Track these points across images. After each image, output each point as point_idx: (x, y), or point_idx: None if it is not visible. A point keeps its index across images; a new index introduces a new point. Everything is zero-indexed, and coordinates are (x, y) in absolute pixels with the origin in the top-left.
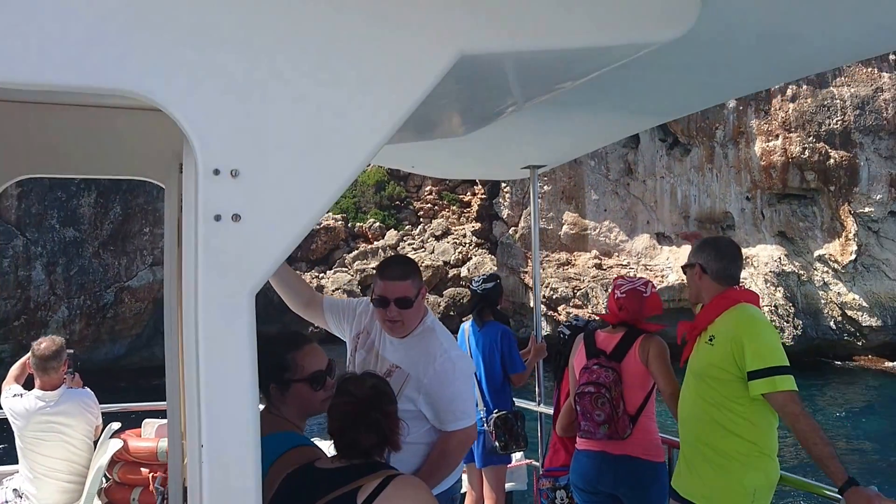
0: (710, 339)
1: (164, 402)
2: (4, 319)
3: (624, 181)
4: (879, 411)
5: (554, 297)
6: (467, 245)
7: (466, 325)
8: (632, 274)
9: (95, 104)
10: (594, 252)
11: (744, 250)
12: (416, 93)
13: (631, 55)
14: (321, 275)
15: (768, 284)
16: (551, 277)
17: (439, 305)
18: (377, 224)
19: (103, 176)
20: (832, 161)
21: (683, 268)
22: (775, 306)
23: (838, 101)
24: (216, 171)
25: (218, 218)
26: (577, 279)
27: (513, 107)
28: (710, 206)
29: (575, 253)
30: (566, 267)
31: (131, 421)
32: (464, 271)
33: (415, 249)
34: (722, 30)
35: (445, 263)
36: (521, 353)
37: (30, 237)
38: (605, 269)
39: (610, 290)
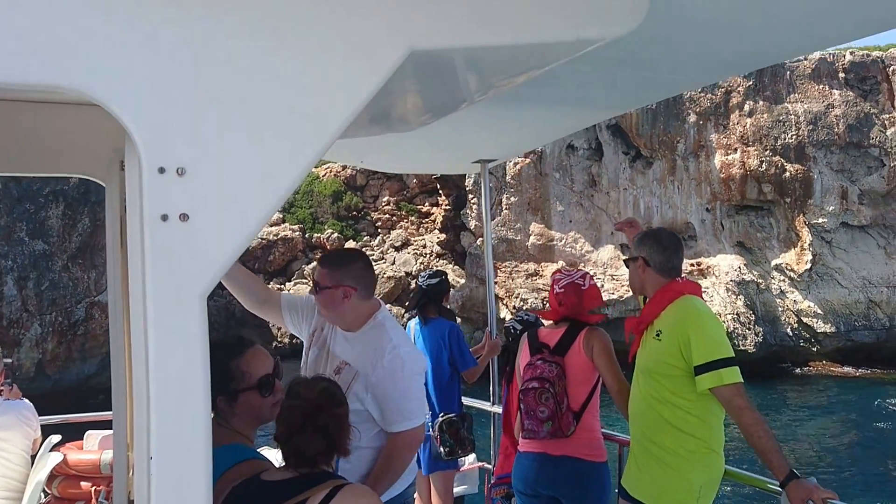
0: (658, 335)
1: (108, 413)
2: None
3: (588, 193)
4: (832, 414)
5: (524, 307)
6: (428, 256)
7: (412, 323)
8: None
9: (27, 99)
10: (561, 262)
11: (705, 260)
12: (367, 88)
13: (581, 50)
14: (281, 287)
15: (729, 293)
16: (521, 288)
17: (402, 316)
18: (335, 235)
19: (38, 174)
20: (788, 174)
21: (626, 261)
22: (737, 314)
23: (793, 116)
24: (161, 170)
25: (165, 218)
26: (545, 290)
27: (465, 102)
28: (672, 216)
29: (542, 263)
30: (534, 277)
31: (73, 433)
32: None
33: (375, 261)
34: (670, 25)
35: (407, 274)
36: (474, 350)
37: None
38: None
39: (549, 286)
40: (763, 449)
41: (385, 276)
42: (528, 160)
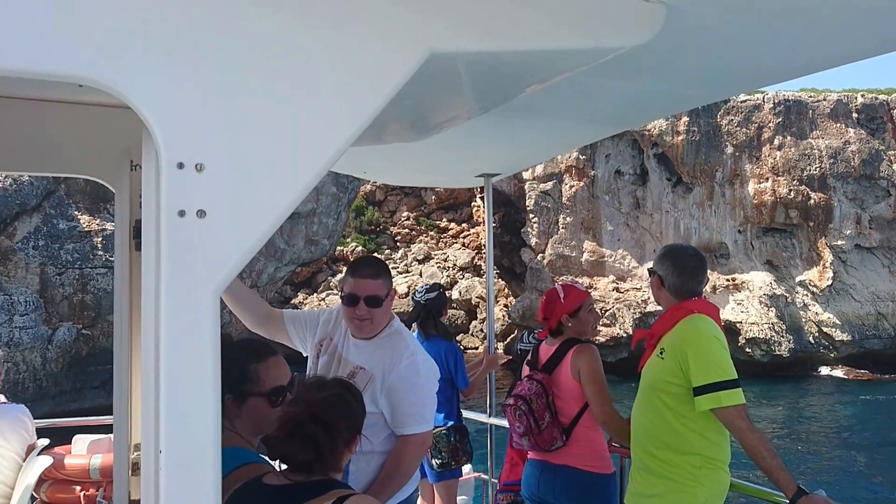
0: (661, 353)
1: (97, 418)
2: None
3: (634, 214)
4: (850, 411)
5: None
6: (451, 269)
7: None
8: (642, 298)
9: (37, 98)
10: (611, 277)
11: (739, 276)
12: (386, 91)
13: (599, 59)
14: (322, 302)
15: (762, 305)
16: None
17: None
18: (359, 248)
19: (45, 173)
20: (812, 201)
21: (650, 271)
22: (772, 324)
23: (816, 150)
24: (180, 165)
25: (182, 214)
26: (602, 301)
27: (477, 110)
28: (709, 237)
29: (595, 277)
30: (589, 290)
31: (61, 437)
32: (455, 294)
33: (400, 273)
34: (686, 38)
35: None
36: (472, 365)
37: None
38: (623, 292)
39: None
40: (769, 468)
41: (417, 288)
42: (581, 183)
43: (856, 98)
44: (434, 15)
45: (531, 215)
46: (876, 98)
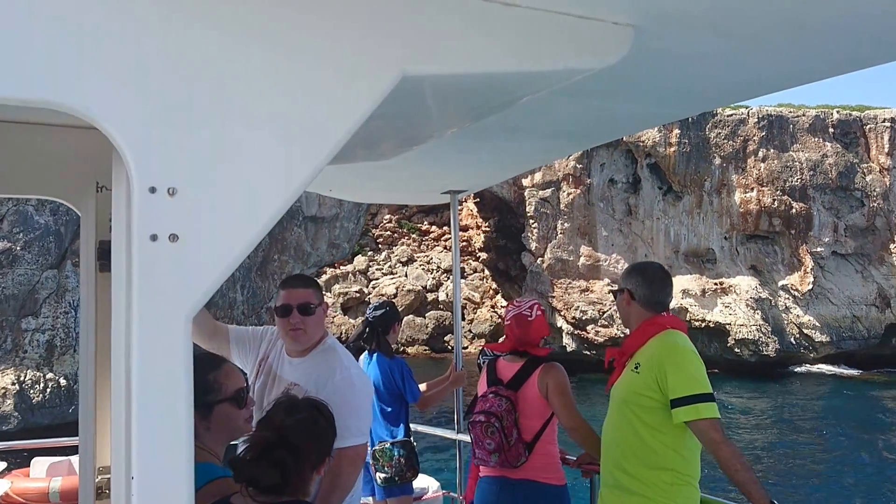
0: (636, 367)
1: (55, 440)
2: None
3: (627, 221)
4: (827, 405)
5: (583, 318)
6: (436, 271)
7: (362, 356)
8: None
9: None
10: (606, 280)
11: (726, 280)
12: (360, 112)
13: (568, 80)
14: None
15: (748, 308)
16: (578, 301)
17: (427, 327)
18: None
19: (7, 196)
20: (794, 210)
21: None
22: (759, 326)
23: (797, 163)
24: (152, 189)
25: (154, 238)
26: (599, 303)
27: (446, 130)
28: (697, 243)
29: (591, 280)
30: (586, 293)
31: (19, 460)
32: (441, 296)
33: (384, 275)
34: (652, 59)
35: (424, 288)
36: (438, 380)
37: None
38: None
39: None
40: (742, 481)
41: (405, 289)
42: (578, 191)
43: (831, 114)
44: (407, 38)
45: (531, 221)
46: (850, 114)
